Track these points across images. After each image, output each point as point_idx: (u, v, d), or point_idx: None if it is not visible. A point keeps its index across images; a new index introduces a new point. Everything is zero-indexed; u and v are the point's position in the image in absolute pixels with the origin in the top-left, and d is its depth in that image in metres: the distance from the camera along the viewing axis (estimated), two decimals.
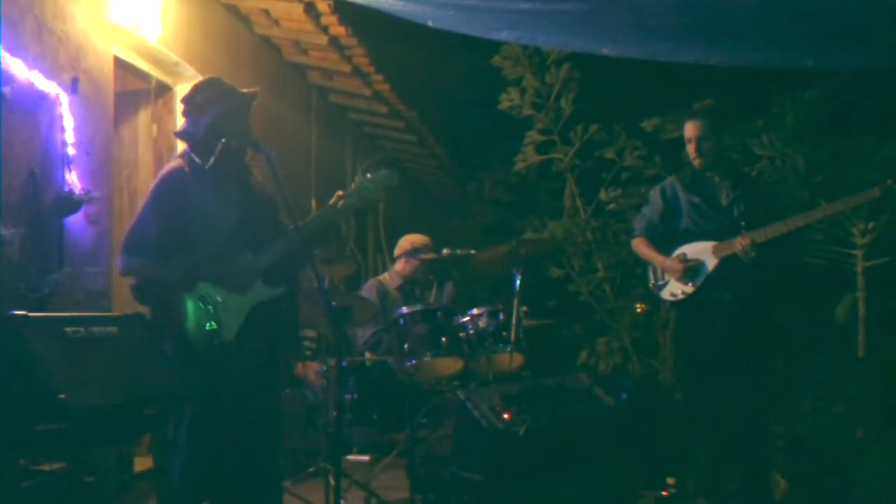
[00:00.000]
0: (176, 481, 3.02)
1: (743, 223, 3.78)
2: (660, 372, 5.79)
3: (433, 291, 5.12)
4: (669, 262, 3.93)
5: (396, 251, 5.24)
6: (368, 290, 5.23)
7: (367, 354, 4.86)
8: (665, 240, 4.04)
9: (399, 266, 5.20)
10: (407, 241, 5.17)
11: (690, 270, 3.87)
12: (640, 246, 4.13)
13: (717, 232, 3.87)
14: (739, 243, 3.72)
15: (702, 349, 3.89)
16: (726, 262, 3.81)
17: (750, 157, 5.43)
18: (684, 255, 3.90)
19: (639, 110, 6.00)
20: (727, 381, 3.84)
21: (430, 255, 4.99)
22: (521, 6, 3.79)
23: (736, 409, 3.85)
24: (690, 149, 3.94)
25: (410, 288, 5.24)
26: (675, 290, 3.94)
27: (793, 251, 4.13)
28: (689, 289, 3.89)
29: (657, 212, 4.08)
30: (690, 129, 3.93)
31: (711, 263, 3.84)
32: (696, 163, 3.94)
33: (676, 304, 3.97)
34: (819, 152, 5.06)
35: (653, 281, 4.08)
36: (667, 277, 3.98)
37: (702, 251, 3.88)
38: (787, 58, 4.10)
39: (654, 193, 4.15)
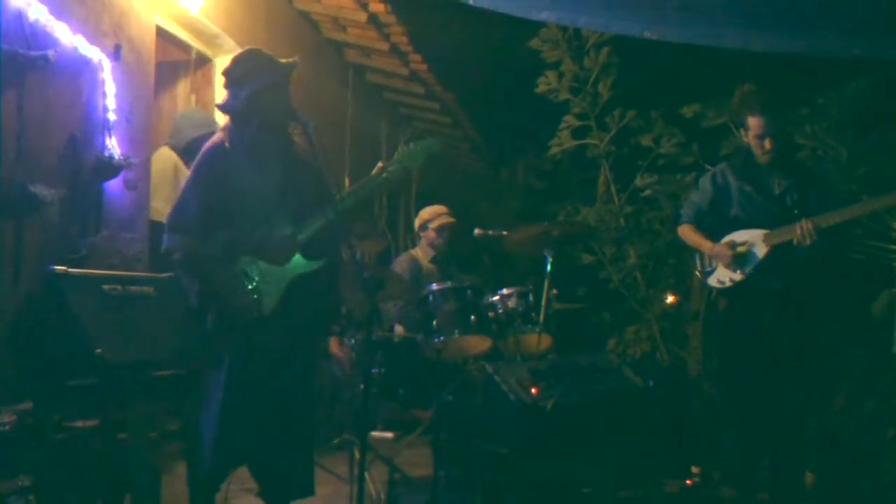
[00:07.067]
0: (207, 448, 3.01)
1: (796, 211, 3.70)
2: (688, 363, 5.74)
3: None
4: (718, 248, 3.87)
5: (416, 225, 5.40)
6: (400, 263, 5.29)
7: (398, 328, 4.88)
8: (714, 227, 3.97)
9: (425, 239, 5.32)
10: (423, 214, 5.33)
11: (739, 257, 3.80)
12: (688, 232, 4.07)
13: (767, 220, 3.79)
14: (802, 227, 3.62)
15: (747, 337, 3.82)
16: (777, 251, 3.73)
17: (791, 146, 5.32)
18: (733, 241, 3.85)
19: (678, 97, 5.90)
20: (771, 371, 3.77)
21: (446, 220, 5.21)
22: None
23: (778, 399, 3.78)
24: (758, 143, 3.81)
25: (445, 259, 5.30)
26: (722, 276, 3.88)
27: (843, 243, 4.03)
28: (738, 276, 3.82)
29: (706, 199, 4.01)
30: (760, 126, 3.79)
31: (762, 251, 3.77)
32: (765, 158, 3.83)
33: (724, 292, 3.91)
34: (862, 144, 4.95)
35: (699, 268, 4.03)
36: (714, 264, 3.92)
37: (752, 239, 3.81)
38: (832, 46, 4.00)
39: (705, 180, 4.07)
